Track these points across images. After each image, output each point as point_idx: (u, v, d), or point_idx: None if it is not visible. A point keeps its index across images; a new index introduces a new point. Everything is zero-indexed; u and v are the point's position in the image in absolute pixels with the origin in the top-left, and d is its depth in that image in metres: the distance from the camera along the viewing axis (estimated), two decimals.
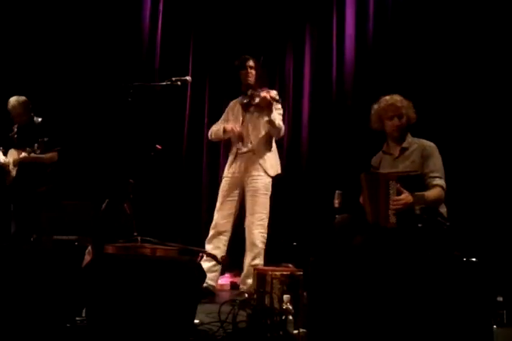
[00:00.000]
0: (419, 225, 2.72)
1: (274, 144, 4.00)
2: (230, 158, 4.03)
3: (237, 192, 3.92)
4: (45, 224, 4.16)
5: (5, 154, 4.34)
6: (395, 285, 2.52)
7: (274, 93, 3.86)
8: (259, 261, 3.75)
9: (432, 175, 2.97)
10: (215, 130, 4.08)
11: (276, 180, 3.95)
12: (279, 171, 3.99)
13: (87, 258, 2.80)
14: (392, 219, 2.84)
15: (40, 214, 4.17)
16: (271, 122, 3.79)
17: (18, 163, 4.21)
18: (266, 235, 3.80)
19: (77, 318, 2.57)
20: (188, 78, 3.64)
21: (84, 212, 4.37)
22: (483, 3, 4.16)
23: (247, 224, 3.82)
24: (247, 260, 3.79)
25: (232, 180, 3.94)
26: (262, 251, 3.79)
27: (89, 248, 2.87)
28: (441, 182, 2.96)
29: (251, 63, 3.95)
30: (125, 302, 2.36)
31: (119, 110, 3.69)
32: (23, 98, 4.29)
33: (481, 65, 4.11)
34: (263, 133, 3.93)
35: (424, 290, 2.49)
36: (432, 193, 2.90)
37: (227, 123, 4.01)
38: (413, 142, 3.14)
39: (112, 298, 2.38)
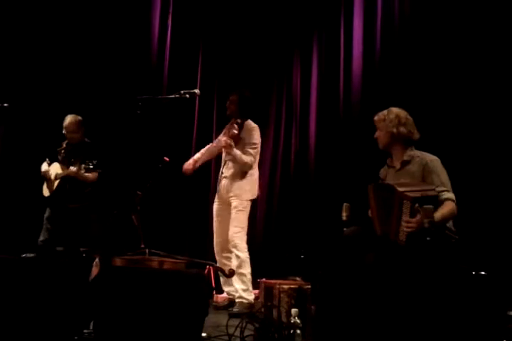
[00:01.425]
0: (428, 238, 2.69)
1: (252, 171, 4.06)
2: (218, 181, 4.22)
3: (225, 211, 4.08)
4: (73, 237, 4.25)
5: (49, 165, 4.46)
6: (403, 301, 2.51)
7: (233, 132, 3.99)
8: (245, 270, 3.89)
9: (439, 189, 2.92)
10: None
11: (283, 192, 3.89)
12: (255, 196, 4.10)
13: (95, 270, 2.80)
14: (403, 237, 2.79)
15: (69, 228, 4.29)
16: (232, 159, 4.04)
17: (62, 178, 4.32)
18: (243, 245, 3.95)
19: (85, 331, 2.57)
20: (197, 91, 3.66)
21: (92, 224, 4.40)
22: (494, 15, 4.13)
23: (228, 237, 4.01)
24: (233, 264, 3.93)
25: (220, 200, 4.15)
26: (247, 260, 3.93)
27: (97, 260, 2.87)
28: (450, 195, 2.92)
29: (231, 97, 4.12)
30: (132, 315, 2.36)
31: (128, 123, 3.72)
32: (78, 117, 4.45)
33: (489, 77, 4.08)
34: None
35: (433, 303, 2.47)
36: (445, 210, 2.83)
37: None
38: (415, 155, 3.10)
39: (119, 310, 2.38)
